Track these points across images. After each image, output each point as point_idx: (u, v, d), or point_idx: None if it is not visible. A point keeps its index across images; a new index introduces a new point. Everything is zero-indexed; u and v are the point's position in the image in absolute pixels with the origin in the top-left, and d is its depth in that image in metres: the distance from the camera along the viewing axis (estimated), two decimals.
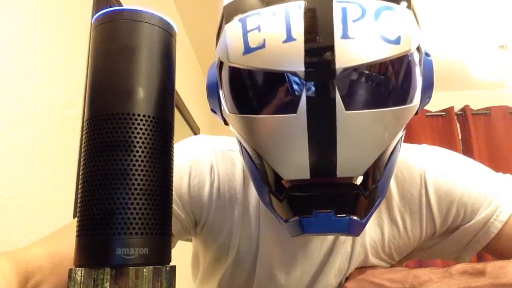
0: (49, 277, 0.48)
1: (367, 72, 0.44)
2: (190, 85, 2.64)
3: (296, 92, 0.42)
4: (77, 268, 0.32)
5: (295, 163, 0.44)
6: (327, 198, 0.46)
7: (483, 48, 2.79)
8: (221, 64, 0.48)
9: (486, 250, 0.63)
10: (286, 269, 0.65)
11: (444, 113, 3.25)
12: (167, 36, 0.37)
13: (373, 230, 0.64)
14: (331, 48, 0.40)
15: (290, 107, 0.43)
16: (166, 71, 0.37)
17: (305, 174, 0.44)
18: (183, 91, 2.33)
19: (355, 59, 0.41)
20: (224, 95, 0.50)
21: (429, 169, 0.63)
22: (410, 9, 0.45)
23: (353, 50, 0.41)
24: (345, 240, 0.64)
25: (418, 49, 0.47)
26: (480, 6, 2.36)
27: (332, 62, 0.40)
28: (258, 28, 0.43)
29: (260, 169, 0.50)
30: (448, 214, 0.62)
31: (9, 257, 0.47)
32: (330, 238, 0.64)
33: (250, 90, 0.48)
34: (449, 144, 3.12)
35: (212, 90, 0.51)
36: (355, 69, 0.42)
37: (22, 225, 0.94)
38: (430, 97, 0.50)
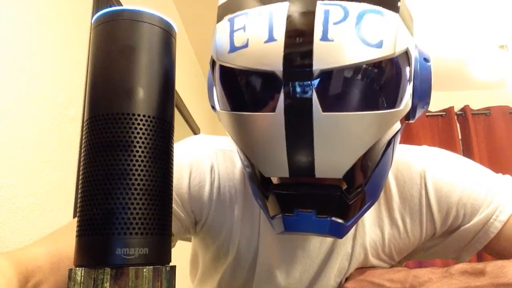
0: (49, 277, 0.48)
1: (346, 74, 0.43)
2: (190, 85, 2.64)
3: (275, 92, 0.43)
4: (77, 268, 0.32)
5: (275, 161, 0.45)
6: (308, 198, 0.47)
7: (483, 48, 2.79)
8: (213, 62, 0.49)
9: (486, 250, 0.63)
10: (285, 269, 0.65)
11: (444, 113, 3.25)
12: (167, 36, 0.37)
13: (374, 231, 0.64)
14: (309, 50, 0.41)
15: (269, 106, 0.44)
16: (166, 71, 0.37)
17: (285, 173, 0.44)
18: (183, 91, 2.33)
19: (333, 62, 0.41)
20: (216, 91, 0.51)
21: (429, 170, 0.63)
22: (398, 12, 0.44)
23: (331, 53, 0.41)
24: (345, 241, 0.64)
25: (407, 53, 0.46)
26: (480, 6, 2.36)
27: (310, 63, 0.41)
28: (244, 28, 0.44)
29: (248, 166, 0.51)
30: (448, 215, 0.62)
31: (8, 257, 0.47)
32: (329, 238, 0.64)
33: (234, 88, 0.49)
34: (449, 144, 3.12)
35: (211, 87, 0.53)
36: (333, 71, 0.42)
37: (22, 225, 0.94)
38: (428, 103, 0.50)
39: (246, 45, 0.43)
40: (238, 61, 0.44)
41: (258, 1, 0.45)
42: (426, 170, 0.63)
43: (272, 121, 0.43)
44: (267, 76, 0.43)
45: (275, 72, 0.42)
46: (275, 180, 0.49)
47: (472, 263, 0.56)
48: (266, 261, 0.65)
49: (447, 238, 0.65)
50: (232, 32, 0.45)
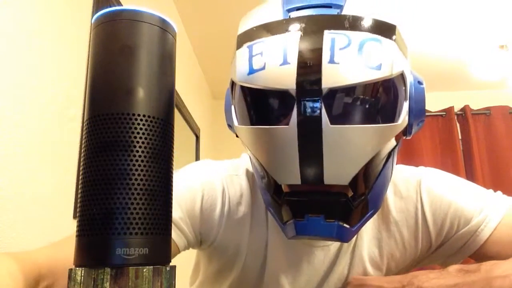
0: (60, 281, 0.49)
1: (350, 92, 0.50)
2: (190, 85, 2.64)
3: (289, 107, 0.48)
4: (77, 268, 0.32)
5: (288, 169, 0.50)
6: (317, 204, 0.52)
7: (483, 48, 2.79)
8: (233, 83, 0.56)
9: (476, 255, 0.66)
10: (292, 279, 0.68)
11: (444, 113, 3.25)
12: (167, 36, 0.37)
13: (372, 242, 0.68)
14: (319, 71, 0.47)
15: (284, 120, 0.50)
16: (166, 71, 0.37)
17: (297, 180, 0.49)
18: (183, 91, 2.33)
19: (339, 81, 0.47)
20: (235, 109, 0.57)
21: (424, 185, 0.68)
22: (395, 40, 0.50)
23: (338, 73, 0.47)
24: (346, 252, 0.67)
25: (403, 76, 0.51)
26: (480, 6, 2.36)
27: (319, 83, 0.47)
28: (261, 54, 0.50)
29: (263, 176, 0.56)
30: (443, 227, 0.66)
31: (17, 258, 0.47)
32: (333, 249, 0.67)
33: (253, 105, 0.55)
34: (449, 144, 3.12)
35: (228, 107, 0.58)
36: (339, 89, 0.48)
37: (22, 225, 0.94)
38: (422, 121, 0.56)
39: (263, 68, 0.50)
40: (257, 81, 0.50)
41: (273, 31, 0.51)
42: (421, 184, 0.68)
43: (286, 134, 0.48)
44: (282, 94, 0.49)
45: (289, 90, 0.48)
46: (286, 190, 0.54)
47: (467, 264, 0.59)
48: (273, 273, 0.68)
49: (439, 249, 0.68)
50: (251, 57, 0.51)
